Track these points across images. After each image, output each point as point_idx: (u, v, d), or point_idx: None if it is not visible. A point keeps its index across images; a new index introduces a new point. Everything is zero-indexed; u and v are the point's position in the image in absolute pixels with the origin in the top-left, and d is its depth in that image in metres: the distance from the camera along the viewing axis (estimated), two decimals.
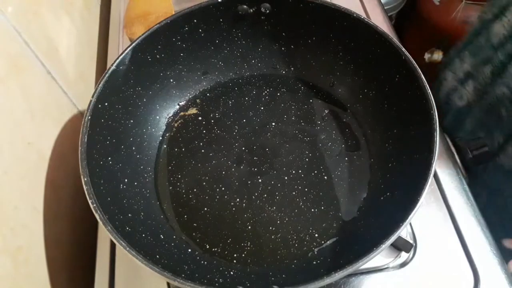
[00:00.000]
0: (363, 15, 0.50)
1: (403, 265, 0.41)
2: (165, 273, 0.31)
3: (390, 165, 0.43)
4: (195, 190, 0.45)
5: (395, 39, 0.42)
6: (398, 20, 1.16)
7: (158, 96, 0.49)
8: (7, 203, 0.36)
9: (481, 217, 0.43)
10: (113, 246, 0.43)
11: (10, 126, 0.37)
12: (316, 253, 0.40)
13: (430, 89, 0.38)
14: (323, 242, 0.41)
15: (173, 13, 0.56)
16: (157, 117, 0.49)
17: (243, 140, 0.48)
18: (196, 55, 0.50)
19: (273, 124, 0.49)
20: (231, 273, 0.39)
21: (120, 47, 0.60)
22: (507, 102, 0.46)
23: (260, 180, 0.45)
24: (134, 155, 0.45)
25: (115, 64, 0.42)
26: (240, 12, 0.48)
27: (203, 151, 0.48)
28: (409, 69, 0.40)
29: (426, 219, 0.43)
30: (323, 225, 0.42)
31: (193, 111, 0.51)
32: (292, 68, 0.53)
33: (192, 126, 0.50)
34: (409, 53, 0.41)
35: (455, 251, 0.41)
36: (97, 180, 0.36)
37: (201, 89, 0.52)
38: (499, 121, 0.47)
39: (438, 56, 1.01)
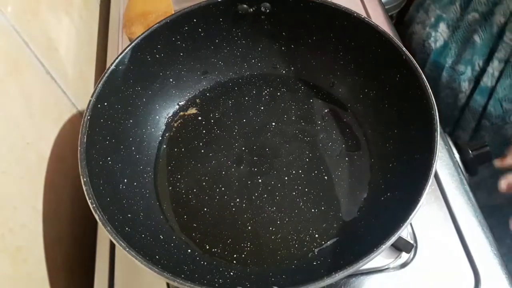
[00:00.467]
0: (363, 14, 0.50)
1: (403, 265, 0.41)
2: (164, 273, 0.31)
3: (390, 165, 0.43)
4: (194, 190, 0.45)
5: (395, 39, 0.42)
6: (399, 20, 1.15)
7: (158, 96, 0.48)
8: (7, 203, 0.36)
9: (482, 217, 0.43)
10: (112, 247, 0.43)
11: (9, 126, 0.37)
12: (316, 253, 0.40)
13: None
14: (323, 242, 0.41)
15: (173, 12, 0.56)
16: (157, 117, 0.49)
17: (243, 140, 0.48)
18: (196, 55, 0.50)
19: (273, 124, 0.49)
20: (231, 273, 0.39)
21: (119, 46, 0.60)
22: (478, 27, 0.51)
23: (260, 180, 0.45)
24: (134, 155, 0.45)
25: (114, 63, 0.42)
26: (240, 12, 0.48)
27: (203, 151, 0.47)
28: (409, 68, 0.40)
29: (426, 220, 0.43)
30: (324, 225, 0.42)
31: (192, 111, 0.51)
32: (292, 68, 0.52)
33: (192, 126, 0.49)
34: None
35: (456, 252, 0.41)
36: (96, 180, 0.36)
37: (200, 89, 0.52)
38: (474, 47, 0.53)
39: None
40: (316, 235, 0.41)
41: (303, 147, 0.47)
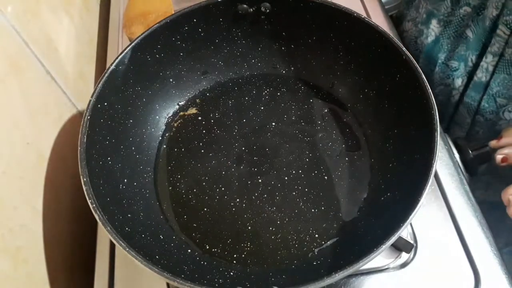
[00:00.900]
0: (363, 14, 0.50)
1: (403, 265, 0.41)
2: (164, 273, 0.31)
3: (390, 165, 0.43)
4: (194, 190, 0.45)
5: (395, 39, 0.42)
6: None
7: (158, 96, 0.48)
8: (7, 203, 0.36)
9: (482, 217, 0.43)
10: (112, 247, 0.43)
11: (9, 126, 0.37)
12: (316, 253, 0.40)
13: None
14: (323, 242, 0.41)
15: (173, 12, 0.56)
16: (157, 117, 0.49)
17: (243, 140, 0.48)
18: (196, 55, 0.50)
19: (273, 124, 0.49)
20: (231, 273, 0.39)
21: (119, 46, 0.60)
22: (471, 21, 0.51)
23: (260, 180, 0.45)
24: (134, 155, 0.45)
25: (114, 63, 0.42)
26: (240, 12, 0.48)
27: (203, 151, 0.47)
28: (409, 68, 0.40)
29: (426, 220, 0.43)
30: (324, 225, 0.42)
31: (192, 111, 0.51)
32: (292, 68, 0.52)
33: (192, 126, 0.49)
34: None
35: (456, 252, 0.41)
36: (96, 180, 0.36)
37: (200, 89, 0.52)
38: (467, 42, 0.52)
39: None
40: (316, 235, 0.41)
41: (303, 147, 0.47)
